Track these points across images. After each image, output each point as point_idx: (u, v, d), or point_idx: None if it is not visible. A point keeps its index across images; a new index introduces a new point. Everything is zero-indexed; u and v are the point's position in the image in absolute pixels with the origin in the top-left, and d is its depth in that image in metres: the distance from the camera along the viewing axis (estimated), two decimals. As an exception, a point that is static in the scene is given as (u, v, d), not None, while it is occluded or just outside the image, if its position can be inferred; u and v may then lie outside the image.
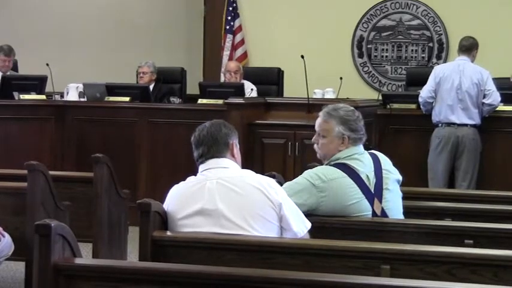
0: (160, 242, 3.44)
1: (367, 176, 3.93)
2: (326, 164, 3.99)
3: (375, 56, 10.45)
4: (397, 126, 7.78)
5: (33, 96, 8.15)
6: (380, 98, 8.34)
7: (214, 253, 3.36)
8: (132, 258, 5.56)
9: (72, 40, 10.32)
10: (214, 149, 3.56)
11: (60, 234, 2.95)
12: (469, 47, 7.63)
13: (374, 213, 3.92)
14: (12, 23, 10.02)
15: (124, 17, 10.65)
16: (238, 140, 3.68)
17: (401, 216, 4.03)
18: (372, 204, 3.91)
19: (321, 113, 4.06)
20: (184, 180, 3.62)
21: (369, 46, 10.48)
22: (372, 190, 3.93)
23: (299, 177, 3.97)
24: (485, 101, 7.40)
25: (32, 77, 8.47)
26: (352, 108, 4.10)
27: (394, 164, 4.13)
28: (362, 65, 10.48)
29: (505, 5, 9.90)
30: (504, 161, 7.54)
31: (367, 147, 4.10)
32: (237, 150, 3.65)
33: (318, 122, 4.05)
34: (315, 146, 4.08)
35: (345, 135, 3.98)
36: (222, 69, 9.83)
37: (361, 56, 10.47)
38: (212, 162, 3.56)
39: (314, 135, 4.09)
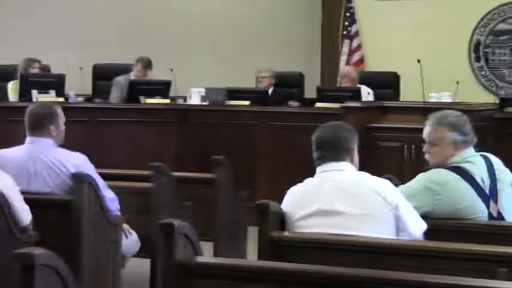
0: (279, 242, 3.48)
1: (482, 177, 3.93)
2: (440, 168, 4.01)
3: (492, 60, 10.28)
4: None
5: (157, 100, 8.41)
6: (497, 101, 8.22)
7: (330, 253, 3.38)
8: (251, 257, 5.64)
9: (195, 47, 10.56)
10: (334, 153, 3.61)
11: (183, 233, 3.01)
12: None
13: (490, 215, 3.91)
14: (140, 31, 10.33)
15: (244, 24, 10.81)
16: (357, 143, 3.71)
17: None
18: (487, 206, 3.91)
19: (429, 122, 4.07)
20: (301, 182, 3.68)
21: (486, 50, 10.31)
22: (487, 192, 3.92)
23: (413, 180, 4.00)
24: None
25: (157, 82, 8.75)
26: (459, 112, 4.11)
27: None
28: (479, 69, 10.32)
29: None
30: None
31: (479, 150, 4.10)
32: (356, 154, 3.69)
33: (427, 131, 4.06)
34: (427, 155, 4.11)
35: (458, 140, 3.99)
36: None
37: (478, 60, 10.32)
38: (330, 165, 3.61)
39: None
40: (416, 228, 3.60)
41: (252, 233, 5.08)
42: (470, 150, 4.03)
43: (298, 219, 3.57)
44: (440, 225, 3.81)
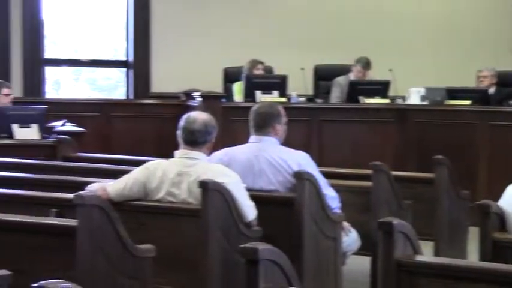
0: (501, 243, 3.45)
1: None
2: None
3: None
4: None
5: (377, 100, 8.46)
6: None
7: None
8: (472, 258, 5.57)
9: (414, 47, 10.51)
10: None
11: (402, 231, 3.03)
12: None
13: None
14: (359, 32, 10.41)
15: (462, 23, 10.64)
16: None
17: None
18: None
19: None
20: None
21: None
22: None
23: None
24: None
25: (377, 82, 8.80)
26: None
27: None
28: None
29: None
30: None
31: None
32: None
33: None
34: None
35: None
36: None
37: None
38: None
39: None
40: None
41: (473, 233, 5.02)
42: None
43: None
44: None
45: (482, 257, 3.48)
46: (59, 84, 10.56)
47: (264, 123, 4.80)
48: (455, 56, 10.46)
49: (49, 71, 10.03)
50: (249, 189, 4.45)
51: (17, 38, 9.51)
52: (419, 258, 3.09)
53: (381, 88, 8.54)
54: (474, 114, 8.07)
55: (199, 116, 4.43)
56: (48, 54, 9.84)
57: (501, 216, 3.55)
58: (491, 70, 8.93)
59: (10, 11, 9.42)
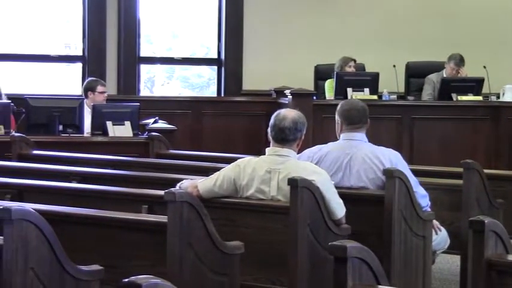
0: None
1: None
2: None
3: None
4: None
5: (470, 97, 8.35)
6: None
7: None
8: None
9: (508, 42, 10.32)
10: None
11: (493, 230, 2.98)
12: None
13: None
14: (453, 28, 10.29)
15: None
16: None
17: None
18: None
19: None
20: None
21: None
22: None
23: None
24: None
25: (470, 79, 8.69)
26: None
27: None
28: None
29: None
30: None
31: None
32: None
33: None
34: None
35: None
36: None
37: None
38: None
39: None
40: None
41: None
42: None
43: None
44: None
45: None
46: (153, 82, 10.73)
47: (356, 120, 4.79)
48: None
49: (143, 69, 10.21)
50: (338, 187, 4.46)
51: (113, 37, 9.69)
52: (511, 257, 3.02)
53: (474, 85, 8.45)
54: None
55: (289, 114, 4.45)
56: (142, 52, 10.00)
57: None
58: None
59: (106, 10, 9.60)
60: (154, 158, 6.28)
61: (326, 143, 4.93)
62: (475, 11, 10.39)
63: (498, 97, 8.60)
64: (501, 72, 9.22)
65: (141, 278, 2.21)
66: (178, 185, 4.41)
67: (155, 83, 10.78)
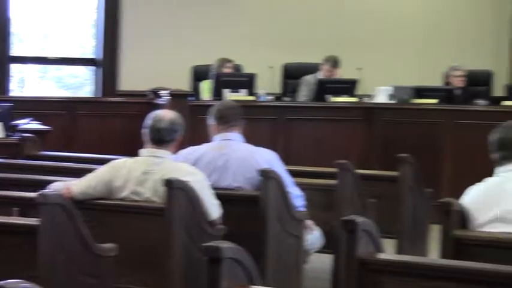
0: (462, 241, 3.47)
1: None
2: None
3: None
4: None
5: (344, 98, 8.49)
6: None
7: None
8: (433, 256, 5.60)
9: (382, 45, 10.54)
10: (515, 153, 3.57)
11: (365, 230, 3.04)
12: None
13: None
14: (329, 30, 10.43)
15: (432, 22, 10.70)
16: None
17: None
18: None
19: None
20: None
21: None
22: None
23: None
24: None
25: (344, 80, 8.83)
26: None
27: None
28: None
29: None
30: None
31: None
32: None
33: None
34: None
35: None
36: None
37: None
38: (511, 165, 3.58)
39: None
40: None
41: (435, 231, 5.05)
42: None
43: (481, 225, 3.54)
44: None
45: (444, 255, 3.50)
46: (24, 82, 10.48)
47: (230, 119, 4.81)
48: (422, 54, 10.51)
49: (15, 69, 9.96)
50: (215, 187, 4.45)
51: (-17, 36, 9.43)
52: (382, 256, 3.10)
53: (349, 87, 8.58)
54: (440, 113, 8.14)
55: (166, 114, 4.43)
56: (14, 51, 9.76)
57: (463, 214, 3.57)
58: (461, 69, 9.04)
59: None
60: (25, 159, 6.13)
61: (203, 143, 4.92)
62: (350, 13, 10.56)
63: (372, 98, 8.76)
64: (375, 74, 9.40)
65: (11, 283, 2.15)
66: (50, 186, 4.32)
67: (26, 82, 10.53)
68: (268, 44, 10.20)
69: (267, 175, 4.55)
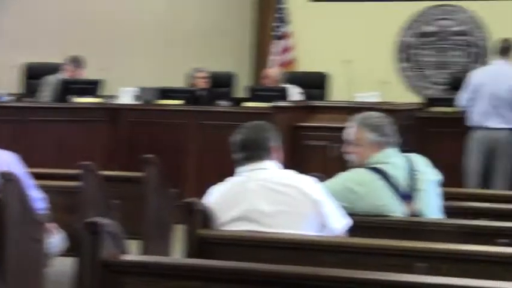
0: (206, 239, 3.52)
1: (399, 178, 4.02)
2: (360, 168, 4.11)
3: (418, 60, 10.49)
4: (437, 129, 7.77)
5: (88, 99, 8.37)
6: (422, 101, 8.39)
7: (258, 251, 3.44)
8: (178, 255, 5.65)
9: (130, 46, 10.51)
10: (258, 153, 3.66)
11: (109, 231, 3.02)
12: (506, 49, 7.52)
13: (407, 214, 4.01)
14: (73, 30, 10.25)
15: (176, 24, 10.80)
16: (280, 141, 3.76)
17: (439, 216, 4.12)
18: (404, 205, 4.01)
19: (351, 123, 4.16)
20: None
21: (412, 51, 10.53)
22: (404, 192, 4.02)
23: (334, 179, 4.09)
24: None
25: (87, 81, 8.70)
26: (382, 114, 4.21)
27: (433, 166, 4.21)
28: (405, 69, 10.53)
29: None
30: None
31: (404, 150, 4.20)
32: (278, 152, 3.74)
33: (349, 132, 4.15)
34: (347, 155, 4.19)
35: (378, 141, 4.08)
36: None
37: (404, 61, 10.52)
38: (254, 165, 3.65)
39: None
40: (339, 224, 3.67)
41: (180, 231, 5.10)
42: (390, 151, 4.11)
43: (224, 223, 3.61)
44: (362, 221, 3.88)
45: (188, 254, 3.53)
46: None
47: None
48: (167, 56, 10.60)
49: None
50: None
51: None
52: (125, 257, 3.09)
53: (93, 87, 8.48)
54: (185, 113, 8.23)
55: None
56: None
57: (206, 214, 3.61)
58: (205, 71, 9.21)
59: None
60: None
61: None
62: (93, 14, 10.45)
63: (116, 99, 8.70)
64: (120, 75, 9.36)
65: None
66: None
67: None
68: (10, 43, 9.88)
69: (6, 177, 4.38)
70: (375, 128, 4.09)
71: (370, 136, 4.08)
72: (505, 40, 7.60)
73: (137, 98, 8.60)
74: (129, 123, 8.25)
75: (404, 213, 4.01)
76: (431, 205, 4.09)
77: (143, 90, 8.67)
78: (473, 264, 3.24)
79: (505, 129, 7.35)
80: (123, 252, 3.09)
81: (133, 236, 4.67)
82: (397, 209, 4.00)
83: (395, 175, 4.02)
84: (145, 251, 5.40)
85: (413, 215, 4.02)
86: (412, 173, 4.06)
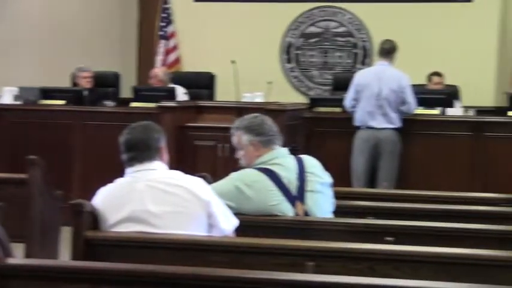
0: (93, 241, 3.49)
1: (289, 179, 4.06)
2: (250, 168, 4.14)
3: (303, 61, 10.63)
4: (322, 128, 7.86)
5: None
6: (307, 101, 8.50)
7: (146, 252, 3.44)
8: (65, 258, 5.57)
9: (8, 45, 10.27)
10: (146, 153, 3.64)
11: (-7, 235, 2.94)
12: (388, 50, 7.66)
13: (297, 215, 4.06)
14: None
15: (60, 24, 10.62)
16: (166, 141, 3.76)
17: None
18: (293, 206, 4.05)
19: (232, 129, 4.21)
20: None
21: (297, 52, 10.66)
22: (294, 193, 4.06)
23: (224, 179, 4.10)
24: (402, 108, 7.53)
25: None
26: (256, 114, 4.26)
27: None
28: (290, 70, 10.66)
29: (425, 15, 10.14)
30: (423, 161, 7.66)
31: (293, 151, 4.25)
32: (165, 152, 3.74)
33: (232, 138, 4.21)
34: (239, 160, 4.23)
35: (254, 141, 4.13)
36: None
37: (289, 61, 10.65)
38: (142, 165, 3.63)
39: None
40: (228, 225, 3.69)
41: (67, 233, 5.02)
42: (279, 152, 4.16)
43: (113, 225, 3.58)
44: (251, 221, 3.91)
45: (75, 256, 3.49)
46: None
47: None
48: (50, 55, 10.40)
49: None
50: None
51: None
52: (10, 261, 3.04)
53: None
54: (68, 114, 8.11)
55: None
56: None
57: (95, 215, 3.57)
58: (90, 70, 9.09)
59: None
60: None
61: None
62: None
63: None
64: (3, 75, 9.15)
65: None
66: None
67: None
68: None
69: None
70: (250, 129, 4.13)
71: (247, 137, 4.13)
72: (388, 41, 7.76)
73: (17, 98, 8.40)
74: (11, 124, 8.09)
75: (295, 214, 4.04)
76: (322, 207, 4.14)
77: (24, 90, 8.46)
78: (361, 262, 3.29)
79: (389, 129, 7.51)
80: (8, 255, 3.05)
81: (18, 239, 4.58)
82: (287, 210, 4.03)
83: (284, 176, 4.06)
84: (31, 254, 5.29)
85: (304, 216, 4.06)
86: (302, 174, 4.10)
